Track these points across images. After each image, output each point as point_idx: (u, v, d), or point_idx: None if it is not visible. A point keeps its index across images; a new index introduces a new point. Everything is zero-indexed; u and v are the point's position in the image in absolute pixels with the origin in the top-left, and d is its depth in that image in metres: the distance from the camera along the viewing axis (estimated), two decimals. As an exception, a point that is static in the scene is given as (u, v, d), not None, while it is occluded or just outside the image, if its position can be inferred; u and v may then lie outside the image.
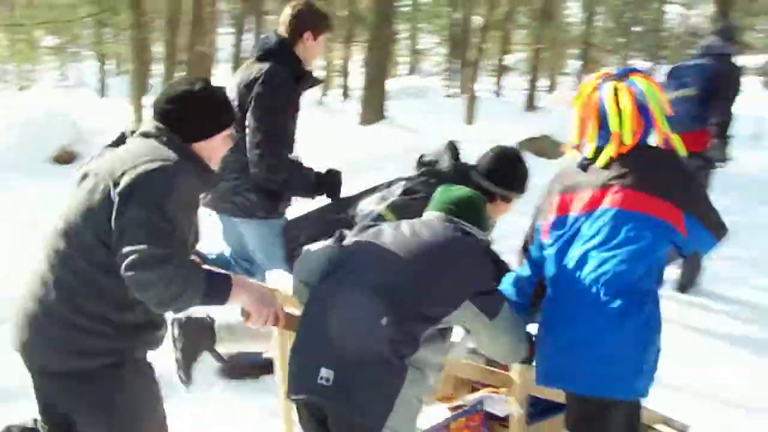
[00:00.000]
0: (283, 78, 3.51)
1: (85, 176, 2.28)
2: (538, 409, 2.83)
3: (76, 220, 2.22)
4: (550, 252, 2.52)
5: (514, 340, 2.44)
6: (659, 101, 2.53)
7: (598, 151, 2.50)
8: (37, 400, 2.41)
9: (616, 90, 2.49)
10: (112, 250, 2.15)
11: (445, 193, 2.55)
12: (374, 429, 2.16)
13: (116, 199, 2.16)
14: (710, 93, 4.94)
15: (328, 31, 3.74)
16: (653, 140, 2.58)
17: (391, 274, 2.29)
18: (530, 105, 14.04)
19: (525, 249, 2.75)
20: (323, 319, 2.29)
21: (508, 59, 17.93)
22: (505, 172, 3.16)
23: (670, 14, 21.48)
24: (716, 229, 2.49)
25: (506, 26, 15.86)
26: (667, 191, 2.41)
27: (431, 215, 2.51)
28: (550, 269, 2.52)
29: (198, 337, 3.56)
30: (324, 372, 2.19)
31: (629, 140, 2.46)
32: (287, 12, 3.65)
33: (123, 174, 2.18)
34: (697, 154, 4.68)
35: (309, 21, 3.61)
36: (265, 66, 3.51)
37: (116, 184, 2.17)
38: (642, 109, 2.48)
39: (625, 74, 2.56)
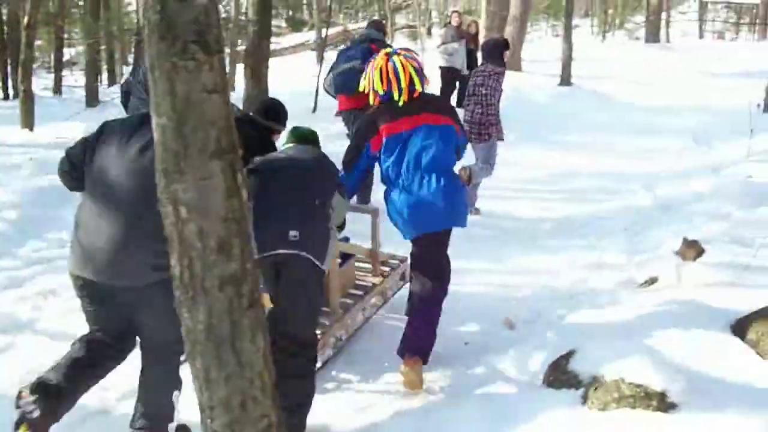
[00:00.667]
0: None
1: (144, 149, 3.18)
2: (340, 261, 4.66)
3: (147, 180, 2.95)
4: (389, 157, 4.18)
5: (346, 213, 4.23)
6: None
7: (400, 96, 4.20)
8: (103, 316, 3.36)
9: (402, 61, 4.22)
10: None
11: (293, 132, 4.21)
12: (321, 261, 3.72)
13: None
14: None
15: None
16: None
17: (309, 176, 3.86)
18: (92, 100, 13.86)
19: (350, 161, 4.31)
20: (280, 206, 3.69)
21: (67, 54, 17.60)
22: (279, 113, 4.58)
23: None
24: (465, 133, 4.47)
25: (58, 22, 15.60)
26: (447, 112, 4.30)
27: (294, 146, 4.08)
28: (395, 165, 4.18)
29: None
30: (292, 233, 3.65)
31: (420, 88, 4.23)
32: None
33: None
34: (360, 109, 6.42)
35: None
36: None
37: None
38: (418, 71, 4.25)
39: (397, 52, 4.33)
